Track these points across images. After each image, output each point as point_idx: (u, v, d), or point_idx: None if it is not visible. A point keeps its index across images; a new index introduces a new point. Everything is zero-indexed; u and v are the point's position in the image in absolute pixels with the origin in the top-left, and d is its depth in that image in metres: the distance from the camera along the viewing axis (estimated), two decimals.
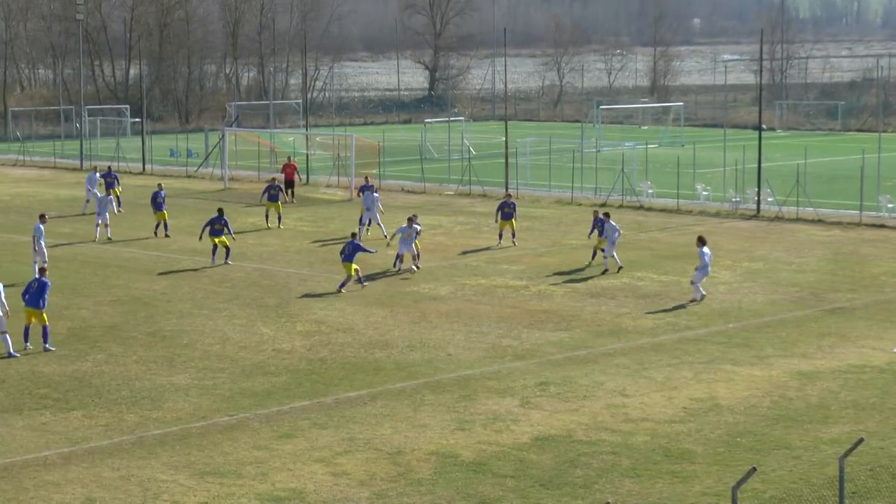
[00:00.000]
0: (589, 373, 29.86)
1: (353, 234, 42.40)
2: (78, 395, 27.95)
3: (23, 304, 32.24)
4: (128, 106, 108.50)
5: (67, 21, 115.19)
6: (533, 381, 29.06)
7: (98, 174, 60.37)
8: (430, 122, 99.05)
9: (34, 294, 32.13)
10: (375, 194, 52.29)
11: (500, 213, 48.60)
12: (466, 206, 61.36)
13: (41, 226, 42.83)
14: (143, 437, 24.96)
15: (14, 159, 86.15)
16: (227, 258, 44.78)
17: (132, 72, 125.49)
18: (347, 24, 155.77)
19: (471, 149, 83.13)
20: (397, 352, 32.03)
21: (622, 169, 62.69)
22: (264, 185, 56.61)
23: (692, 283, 38.44)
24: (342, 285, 39.92)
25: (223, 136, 75.18)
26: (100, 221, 50.82)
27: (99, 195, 53.46)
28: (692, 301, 37.79)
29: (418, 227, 43.69)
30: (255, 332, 34.12)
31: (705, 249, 38.29)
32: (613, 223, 43.43)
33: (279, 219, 54.44)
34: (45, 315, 32.23)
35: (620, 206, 60.03)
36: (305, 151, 75.49)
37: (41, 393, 28.06)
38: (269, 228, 53.53)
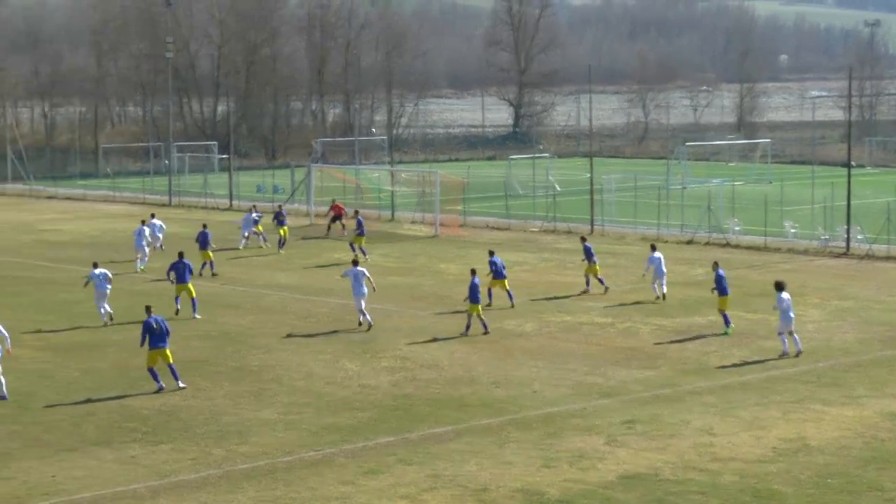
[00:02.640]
0: (676, 411, 29.59)
1: (474, 271, 39.45)
2: (166, 428, 28.14)
3: (147, 346, 31.82)
4: (215, 142, 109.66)
5: (157, 59, 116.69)
6: (619, 419, 28.84)
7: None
8: (515, 159, 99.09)
9: (161, 334, 31.66)
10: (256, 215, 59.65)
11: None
12: (551, 242, 61.20)
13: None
14: (230, 472, 25.06)
15: (104, 195, 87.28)
16: (194, 310, 41.69)
17: (220, 109, 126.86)
18: (432, 61, 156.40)
19: (556, 185, 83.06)
20: (482, 388, 31.95)
21: (708, 206, 62.28)
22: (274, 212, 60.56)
23: (779, 333, 36.20)
24: (468, 328, 38.73)
25: (309, 171, 75.72)
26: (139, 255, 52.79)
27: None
28: (782, 356, 35.59)
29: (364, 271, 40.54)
30: (341, 368, 34.19)
31: (783, 295, 35.89)
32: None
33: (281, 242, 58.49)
34: (168, 353, 31.98)
35: (707, 244, 59.62)
36: (390, 188, 75.76)
37: (130, 426, 28.28)
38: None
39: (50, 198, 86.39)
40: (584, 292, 46.18)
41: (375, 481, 24.41)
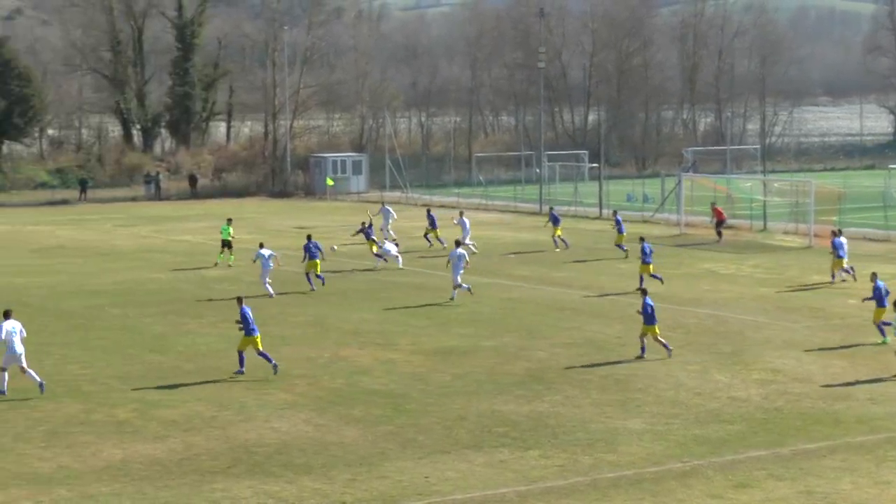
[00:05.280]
0: None
1: (644, 291, 37.41)
2: (535, 434, 28.40)
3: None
4: (586, 151, 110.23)
5: (529, 69, 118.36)
6: None
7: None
8: (895, 168, 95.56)
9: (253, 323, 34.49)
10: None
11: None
12: None
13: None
14: (597, 480, 25.08)
15: (477, 203, 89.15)
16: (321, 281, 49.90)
17: (590, 118, 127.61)
18: (807, 68, 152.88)
19: None
20: (858, 404, 30.89)
21: None
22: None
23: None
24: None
25: (679, 181, 75.23)
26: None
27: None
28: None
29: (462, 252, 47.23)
30: (710, 379, 33.73)
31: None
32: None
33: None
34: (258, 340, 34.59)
35: None
36: (762, 198, 74.38)
37: (500, 431, 28.69)
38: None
39: (425, 205, 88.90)
40: (834, 283, 49.69)
41: (745, 495, 23.95)
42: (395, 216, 68.45)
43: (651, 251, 50.01)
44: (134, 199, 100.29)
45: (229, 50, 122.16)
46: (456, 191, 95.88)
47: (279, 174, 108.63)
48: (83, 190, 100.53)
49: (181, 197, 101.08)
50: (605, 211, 79.60)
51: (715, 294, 48.18)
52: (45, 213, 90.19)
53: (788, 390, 32.38)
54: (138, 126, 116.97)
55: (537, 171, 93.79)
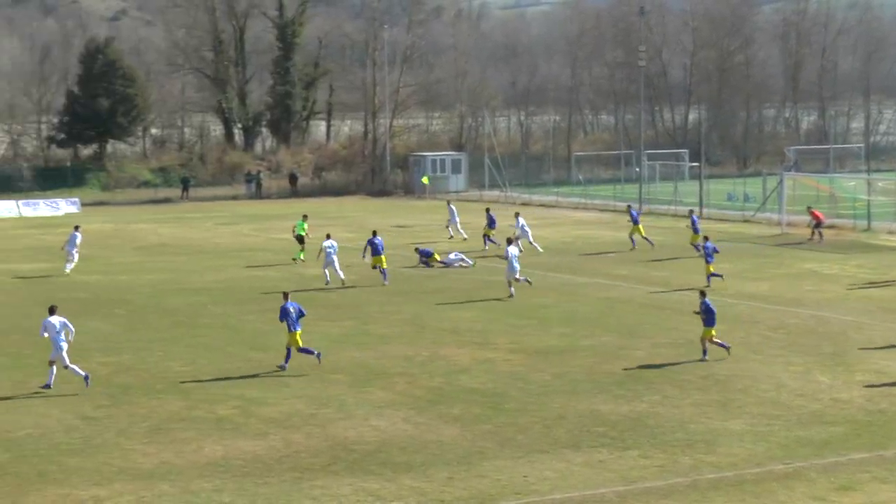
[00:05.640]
0: None
1: (703, 293, 37.16)
2: (633, 434, 28.25)
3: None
4: (686, 150, 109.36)
5: (629, 68, 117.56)
6: None
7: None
8: None
9: (295, 319, 34.94)
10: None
11: None
12: None
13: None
14: (697, 481, 24.89)
15: (576, 202, 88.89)
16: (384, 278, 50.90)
17: (691, 116, 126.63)
18: None
19: None
20: None
21: None
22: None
23: None
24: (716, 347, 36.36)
25: (781, 180, 74.41)
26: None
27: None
28: None
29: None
30: (812, 380, 33.32)
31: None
32: None
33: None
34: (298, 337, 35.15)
35: None
36: (866, 197, 73.37)
37: (599, 431, 28.57)
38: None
39: (524, 204, 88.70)
40: None
41: (848, 498, 23.64)
42: (458, 217, 68.50)
43: (715, 251, 49.49)
44: (235, 197, 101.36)
45: (329, 49, 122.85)
46: (555, 190, 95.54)
47: (379, 173, 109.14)
48: (185, 188, 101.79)
49: (282, 196, 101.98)
50: (704, 210, 78.93)
51: (817, 294, 47.61)
52: (147, 211, 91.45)
53: (892, 392, 31.91)
54: (239, 125, 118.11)
55: (637, 170, 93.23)
